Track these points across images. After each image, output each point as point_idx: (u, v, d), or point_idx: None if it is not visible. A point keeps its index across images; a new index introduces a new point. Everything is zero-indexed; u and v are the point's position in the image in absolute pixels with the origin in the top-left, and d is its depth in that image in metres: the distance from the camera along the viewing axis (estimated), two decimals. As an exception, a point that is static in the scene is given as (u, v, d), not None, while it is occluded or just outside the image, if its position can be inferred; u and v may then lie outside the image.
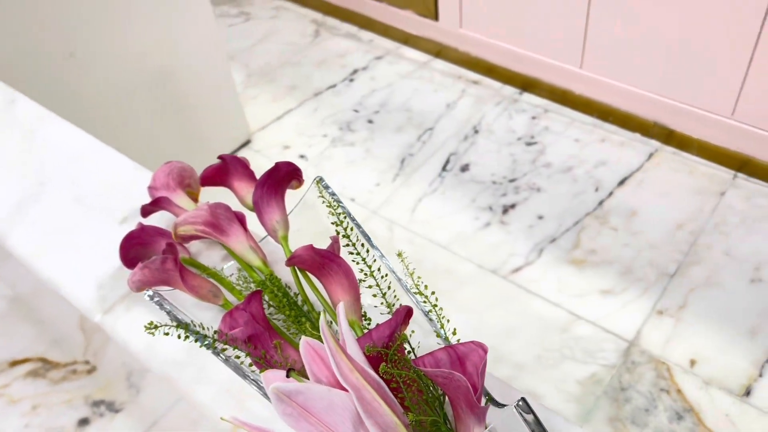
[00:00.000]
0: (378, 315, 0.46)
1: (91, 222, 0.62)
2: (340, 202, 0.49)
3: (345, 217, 0.48)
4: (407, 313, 0.42)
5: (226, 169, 0.56)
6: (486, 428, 0.38)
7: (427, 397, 0.41)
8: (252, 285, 0.50)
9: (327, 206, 0.49)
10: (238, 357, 0.44)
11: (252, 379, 0.43)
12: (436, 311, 0.44)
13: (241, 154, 1.74)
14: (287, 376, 0.40)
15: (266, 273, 0.50)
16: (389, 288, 0.46)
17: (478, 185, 1.53)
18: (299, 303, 0.49)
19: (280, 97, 1.88)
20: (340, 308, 0.40)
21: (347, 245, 0.47)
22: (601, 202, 1.48)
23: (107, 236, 0.60)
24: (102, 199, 0.64)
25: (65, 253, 0.60)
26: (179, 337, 0.43)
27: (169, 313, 0.45)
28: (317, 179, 0.50)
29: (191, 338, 0.43)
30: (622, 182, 1.51)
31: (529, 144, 1.63)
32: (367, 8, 2.01)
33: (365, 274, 0.46)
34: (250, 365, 0.44)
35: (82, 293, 0.57)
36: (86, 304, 0.56)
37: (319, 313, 0.47)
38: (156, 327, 0.42)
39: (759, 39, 1.28)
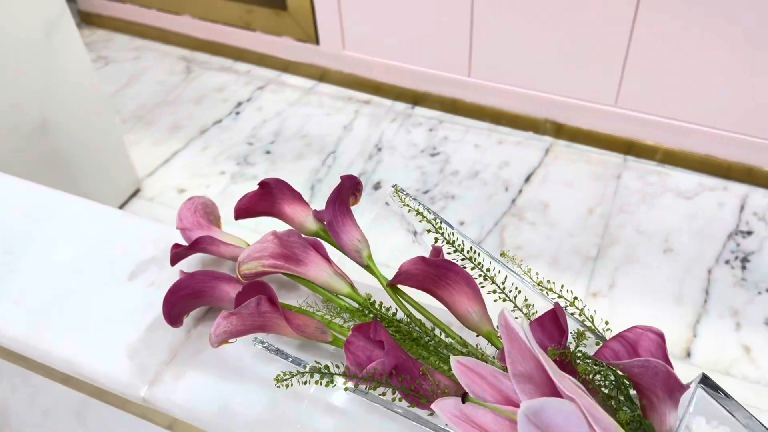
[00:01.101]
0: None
1: (85, 284, 0.53)
2: (427, 207, 0.45)
3: (441, 222, 0.44)
4: (561, 310, 0.39)
5: (270, 195, 0.49)
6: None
7: (603, 395, 0.38)
8: (347, 316, 0.44)
9: (416, 214, 0.45)
10: (383, 394, 0.39)
11: (412, 415, 0.38)
12: (575, 305, 0.41)
13: (132, 204, 1.59)
14: (463, 402, 0.36)
15: (360, 301, 0.44)
16: (517, 290, 0.43)
17: (395, 201, 1.52)
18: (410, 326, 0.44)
19: (163, 139, 1.75)
20: (507, 314, 0.36)
21: (454, 252, 0.43)
22: (513, 201, 1.53)
23: (110, 296, 0.51)
24: (95, 257, 0.55)
25: (70, 324, 0.50)
26: (317, 383, 0.36)
27: (293, 360, 0.38)
28: (395, 187, 0.46)
29: (328, 380, 0.37)
30: (528, 179, 1.58)
31: (433, 155, 1.65)
32: (239, 39, 1.95)
33: (483, 278, 0.43)
34: (393, 400, 0.39)
35: (111, 368, 0.47)
36: (123, 379, 0.47)
37: (452, 335, 0.42)
38: (292, 375, 0.35)
39: (633, 29, 1.41)
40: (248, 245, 0.47)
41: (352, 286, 0.45)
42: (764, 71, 1.36)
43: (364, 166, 1.62)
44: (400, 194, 0.45)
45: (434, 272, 0.42)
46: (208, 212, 0.51)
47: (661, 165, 1.57)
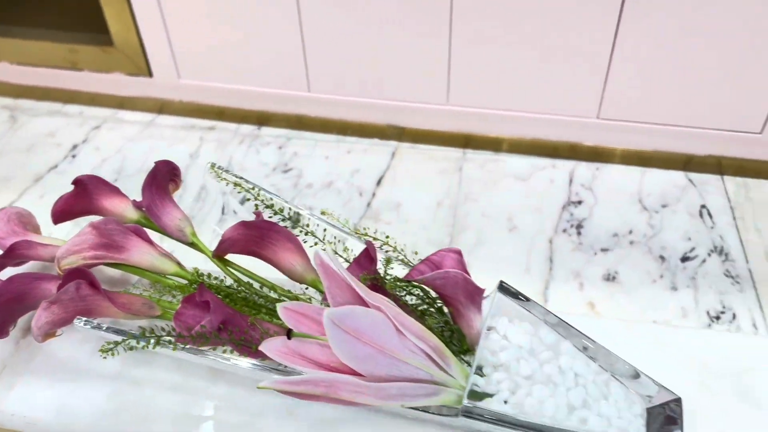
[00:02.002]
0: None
1: None
2: (244, 178, 0.47)
3: (259, 190, 0.46)
4: (371, 246, 0.42)
5: (86, 192, 0.49)
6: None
7: (416, 311, 0.42)
8: (177, 293, 0.45)
9: (235, 185, 0.46)
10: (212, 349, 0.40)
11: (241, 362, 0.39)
12: (389, 243, 0.44)
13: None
14: (289, 338, 0.38)
15: (188, 276, 0.45)
16: (336, 239, 0.45)
17: (252, 220, 1.52)
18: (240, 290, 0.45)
19: (-8, 192, 1.63)
20: (321, 254, 0.38)
21: (275, 214, 0.45)
22: (369, 204, 1.58)
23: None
24: None
25: None
26: (144, 346, 0.37)
27: (114, 331, 0.38)
28: (211, 164, 0.47)
29: (155, 342, 0.37)
30: (379, 182, 1.64)
31: (285, 171, 1.67)
32: (66, 81, 1.87)
33: (305, 234, 0.45)
34: (224, 351, 0.40)
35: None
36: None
37: (275, 294, 0.43)
38: (117, 344, 0.35)
39: (451, 27, 1.52)
40: (64, 242, 0.46)
41: (179, 264, 0.45)
42: (560, 59, 1.51)
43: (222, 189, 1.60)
44: (217, 170, 0.47)
45: (256, 234, 0.43)
46: (24, 221, 0.49)
47: (497, 153, 1.69)
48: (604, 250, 1.43)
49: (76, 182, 0.47)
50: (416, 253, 0.45)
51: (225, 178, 0.45)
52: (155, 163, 0.46)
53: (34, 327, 0.39)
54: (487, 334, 0.38)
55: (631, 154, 1.61)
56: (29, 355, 0.45)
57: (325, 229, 0.45)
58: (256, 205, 0.44)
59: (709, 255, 1.41)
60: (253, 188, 0.45)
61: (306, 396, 0.34)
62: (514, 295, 0.40)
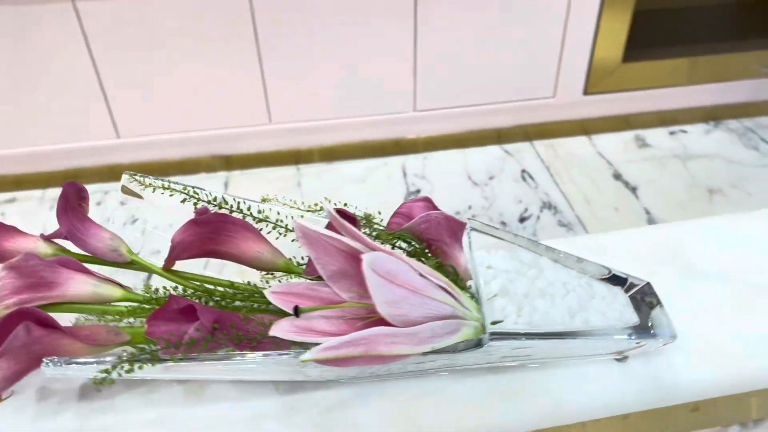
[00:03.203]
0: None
1: None
2: (169, 180, 0.43)
3: (193, 189, 0.42)
4: (343, 211, 0.41)
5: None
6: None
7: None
8: (133, 319, 0.39)
9: (164, 189, 0.42)
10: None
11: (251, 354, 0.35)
12: (346, 207, 0.43)
13: None
14: (297, 316, 0.35)
15: (139, 297, 0.40)
16: (291, 218, 0.43)
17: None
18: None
19: None
20: (301, 222, 0.36)
21: (219, 208, 0.42)
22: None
23: None
24: None
25: None
26: (141, 367, 0.32)
27: (89, 364, 0.33)
28: (127, 173, 0.42)
29: (147, 362, 0.32)
30: (218, 215, 1.57)
31: (134, 222, 1.54)
32: None
33: (257, 221, 0.42)
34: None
35: None
36: None
37: (246, 287, 0.40)
38: (108, 371, 0.30)
39: (259, 48, 1.51)
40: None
41: (122, 286, 0.40)
42: (369, 63, 1.58)
43: (37, 264, 1.42)
44: (137, 177, 0.42)
45: (210, 230, 0.40)
46: None
47: (330, 162, 1.71)
48: (452, 229, 1.52)
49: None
50: (380, 213, 0.44)
51: (152, 184, 0.41)
52: (62, 185, 0.40)
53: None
54: (475, 267, 0.39)
55: (450, 138, 1.73)
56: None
57: (278, 213, 0.43)
58: (195, 203, 0.40)
59: (541, 211, 1.56)
60: (185, 188, 0.41)
61: (345, 361, 0.31)
62: (483, 230, 0.41)
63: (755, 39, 1.67)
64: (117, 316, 0.38)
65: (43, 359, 0.33)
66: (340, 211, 0.39)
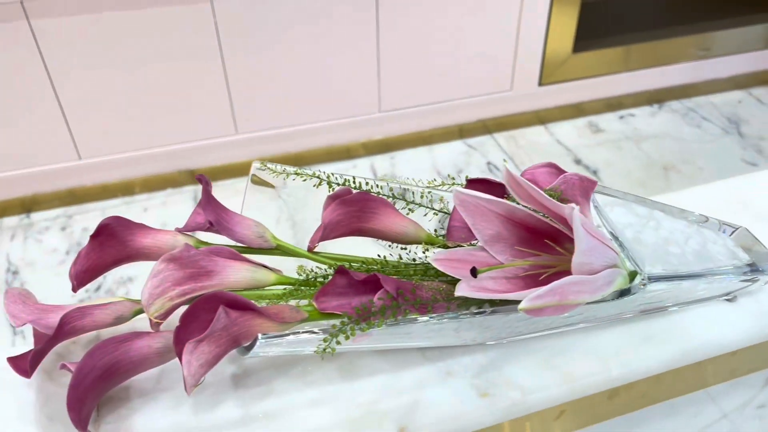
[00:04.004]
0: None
1: None
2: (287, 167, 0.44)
3: (314, 173, 0.43)
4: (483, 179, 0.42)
5: (113, 237, 0.40)
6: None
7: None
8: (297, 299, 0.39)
9: (297, 175, 0.42)
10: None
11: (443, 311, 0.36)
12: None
13: None
14: (475, 276, 0.36)
15: (290, 280, 0.40)
16: (421, 196, 0.44)
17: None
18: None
19: None
20: (458, 188, 0.38)
21: (355, 189, 0.42)
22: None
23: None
24: None
25: None
26: (352, 332, 0.33)
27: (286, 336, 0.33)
28: (258, 161, 0.43)
29: (358, 327, 0.33)
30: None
31: (83, 250, 1.47)
32: None
33: (393, 200, 0.43)
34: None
35: None
36: None
37: (393, 263, 0.41)
38: (333, 336, 0.31)
39: (223, 58, 1.49)
40: (125, 298, 0.37)
41: (274, 271, 0.40)
42: (333, 67, 1.59)
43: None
44: (270, 166, 0.42)
45: (357, 208, 0.40)
46: (33, 300, 0.38)
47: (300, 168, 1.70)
48: (431, 223, 1.55)
49: (98, 231, 0.38)
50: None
51: (285, 170, 0.41)
52: (197, 177, 0.40)
53: (186, 376, 0.30)
54: (611, 222, 0.42)
55: (416, 136, 1.76)
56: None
57: (407, 190, 0.44)
58: (329, 185, 0.41)
59: (512, 199, 1.62)
60: (314, 173, 0.41)
61: (542, 310, 0.33)
62: (602, 192, 0.44)
63: (691, 24, 1.80)
64: (273, 300, 0.38)
65: (258, 335, 0.33)
66: (482, 180, 0.41)
